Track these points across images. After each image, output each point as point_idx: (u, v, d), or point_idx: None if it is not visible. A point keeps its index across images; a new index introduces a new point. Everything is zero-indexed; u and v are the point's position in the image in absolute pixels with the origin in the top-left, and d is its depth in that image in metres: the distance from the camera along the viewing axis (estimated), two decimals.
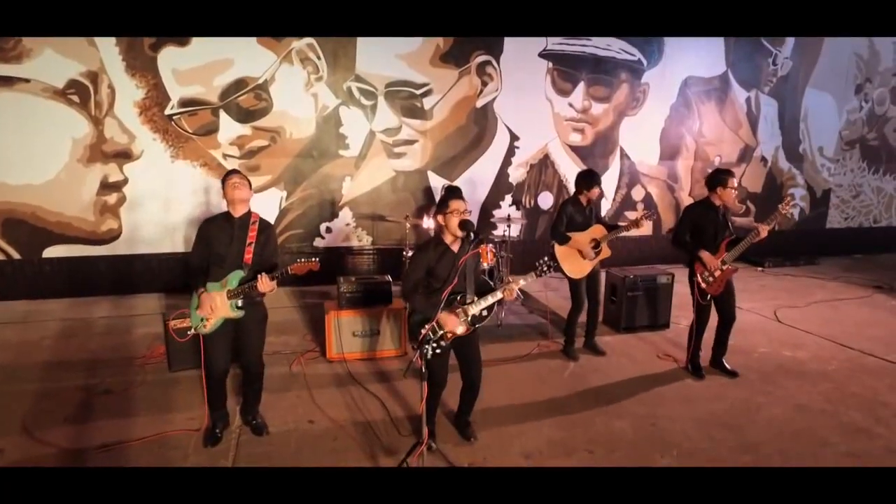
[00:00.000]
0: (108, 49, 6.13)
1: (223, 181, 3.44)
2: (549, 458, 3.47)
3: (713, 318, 4.65)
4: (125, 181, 6.43)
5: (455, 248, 3.32)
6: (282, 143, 6.87)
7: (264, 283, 3.27)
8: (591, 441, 3.67)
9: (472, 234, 3.16)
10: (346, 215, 7.27)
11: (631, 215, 8.35)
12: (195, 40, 6.33)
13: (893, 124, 9.33)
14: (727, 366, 4.70)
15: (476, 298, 3.29)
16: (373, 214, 7.33)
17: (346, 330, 4.84)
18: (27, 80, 5.99)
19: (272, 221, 6.78)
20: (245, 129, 6.71)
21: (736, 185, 4.47)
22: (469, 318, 3.28)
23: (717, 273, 4.41)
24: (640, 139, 8.16)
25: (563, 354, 5.10)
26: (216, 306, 3.37)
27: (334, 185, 7.14)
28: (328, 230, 7.23)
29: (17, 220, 6.19)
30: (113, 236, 6.51)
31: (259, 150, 6.80)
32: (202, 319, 3.40)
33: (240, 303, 3.40)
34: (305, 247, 7.15)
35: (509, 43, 7.34)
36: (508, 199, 7.82)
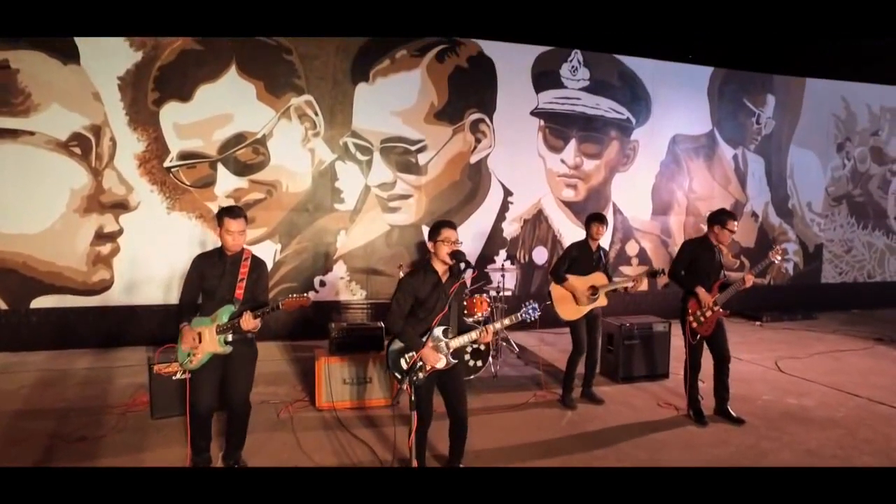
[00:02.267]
0: (112, 103, 6.32)
1: (220, 221, 3.32)
2: None
3: (707, 365, 4.55)
4: (120, 231, 6.44)
5: (444, 277, 3.28)
6: (278, 197, 6.95)
7: (247, 321, 3.17)
8: None
9: (462, 265, 3.13)
10: (340, 269, 7.24)
11: (626, 270, 8.38)
12: (197, 96, 6.55)
13: (877, 181, 9.56)
14: (732, 413, 4.53)
15: (457, 335, 3.23)
16: (367, 268, 7.31)
17: (336, 377, 4.69)
18: (32, 133, 6.12)
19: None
20: (242, 182, 6.81)
21: (735, 228, 4.51)
22: (450, 353, 3.20)
23: (709, 313, 4.35)
24: (632, 195, 8.30)
25: (559, 404, 4.93)
26: (204, 340, 3.28)
27: (329, 238, 7.17)
28: (322, 284, 7.18)
29: (7, 270, 6.13)
30: (104, 287, 6.44)
31: (255, 202, 6.86)
32: (189, 354, 3.31)
33: (229, 338, 3.29)
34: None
35: (501, 101, 7.62)
36: (503, 253, 7.83)
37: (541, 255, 8.00)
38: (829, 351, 6.77)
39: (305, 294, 3.27)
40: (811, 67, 8.85)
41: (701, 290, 4.39)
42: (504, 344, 6.43)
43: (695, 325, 4.39)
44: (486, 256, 7.73)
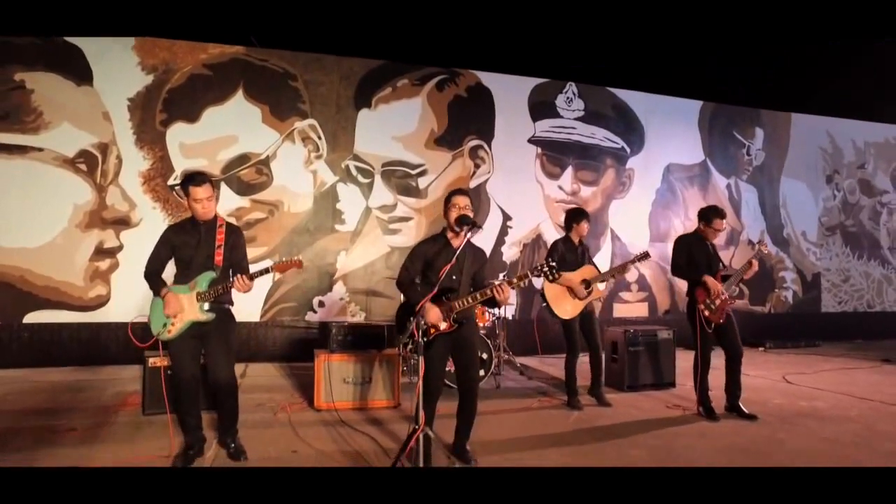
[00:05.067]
0: (121, 123, 6.48)
1: (186, 191, 3.22)
2: None
3: (715, 374, 4.45)
4: (120, 247, 6.43)
5: (455, 243, 3.29)
6: (279, 217, 7.00)
7: (242, 283, 3.14)
8: (604, 465, 3.32)
9: (470, 226, 3.16)
10: (339, 289, 7.19)
11: (626, 296, 8.35)
12: (204, 118, 6.73)
13: (867, 213, 9.73)
14: (745, 409, 4.41)
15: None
16: (367, 289, 7.26)
17: (336, 376, 4.56)
18: (40, 149, 6.24)
19: (265, 294, 6.88)
20: (244, 202, 6.87)
21: (722, 227, 4.57)
22: (455, 315, 3.16)
23: (718, 301, 4.33)
24: (629, 221, 8.40)
25: (566, 407, 4.78)
26: (183, 308, 3.20)
27: (329, 259, 7.16)
28: (321, 304, 7.11)
29: (4, 284, 6.06)
30: (101, 303, 6.34)
31: (256, 222, 6.91)
32: (165, 324, 3.21)
33: (207, 306, 3.22)
34: (298, 320, 6.98)
35: (499, 129, 7.84)
36: (502, 277, 7.80)
37: (540, 280, 7.96)
38: (836, 368, 6.66)
39: (297, 258, 3.24)
40: (796, 103, 9.24)
41: (709, 278, 4.38)
42: (506, 356, 6.31)
43: (706, 313, 4.35)
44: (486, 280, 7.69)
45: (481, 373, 5.42)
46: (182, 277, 3.28)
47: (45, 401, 4.66)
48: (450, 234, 3.32)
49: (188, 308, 3.19)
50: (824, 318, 9.30)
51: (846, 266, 9.54)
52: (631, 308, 8.28)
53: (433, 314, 3.08)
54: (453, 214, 3.26)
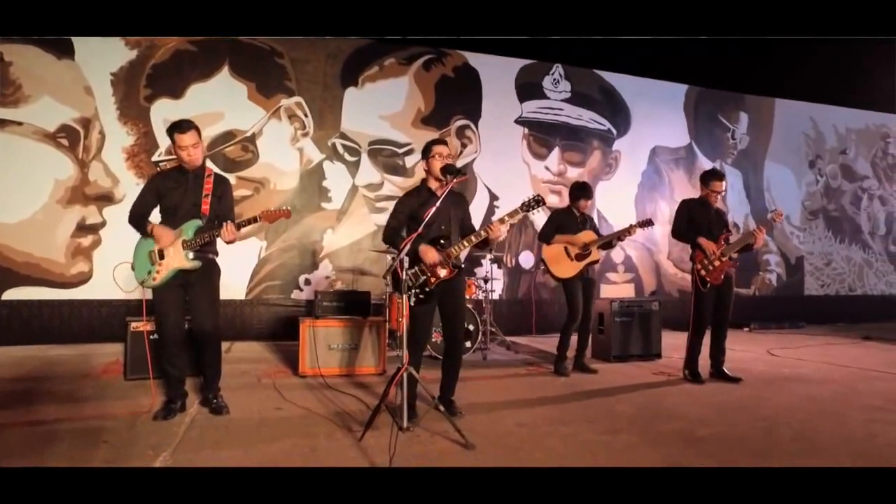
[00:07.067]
0: (104, 98, 6.38)
1: (171, 138, 3.18)
2: (542, 426, 3.12)
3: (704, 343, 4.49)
4: (103, 224, 6.33)
5: (440, 193, 3.27)
6: (265, 194, 6.94)
7: (229, 231, 3.12)
8: (590, 418, 3.33)
9: (455, 174, 3.16)
10: (326, 267, 7.14)
11: (612, 277, 8.40)
12: (189, 94, 6.66)
13: (849, 197, 9.87)
14: (729, 373, 4.45)
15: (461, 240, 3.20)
16: (353, 267, 7.21)
17: (321, 342, 4.53)
18: (20, 123, 6.12)
19: (250, 272, 6.82)
20: (230, 179, 6.76)
21: (719, 189, 4.59)
22: (452, 262, 3.16)
23: (717, 263, 4.35)
24: (615, 203, 8.44)
25: (553, 374, 4.79)
26: (168, 256, 3.15)
27: (315, 236, 7.11)
28: (307, 282, 7.06)
29: None
30: (82, 280, 6.24)
31: (242, 199, 6.83)
32: (150, 272, 3.17)
33: (192, 254, 3.19)
34: (283, 298, 6.92)
35: (486, 109, 7.85)
36: (489, 256, 7.79)
37: (528, 260, 8.00)
38: (819, 345, 6.74)
39: (285, 207, 3.21)
40: (780, 88, 9.34)
41: (703, 240, 4.41)
42: (492, 330, 6.31)
43: (703, 272, 4.36)
44: (474, 259, 7.68)
45: (468, 344, 5.43)
46: (167, 224, 3.23)
47: (23, 371, 4.57)
48: (433, 185, 3.29)
49: (174, 255, 3.15)
50: (807, 301, 9.41)
51: (828, 250, 9.67)
52: (617, 289, 8.32)
53: (431, 254, 3.06)
54: (437, 164, 3.24)
